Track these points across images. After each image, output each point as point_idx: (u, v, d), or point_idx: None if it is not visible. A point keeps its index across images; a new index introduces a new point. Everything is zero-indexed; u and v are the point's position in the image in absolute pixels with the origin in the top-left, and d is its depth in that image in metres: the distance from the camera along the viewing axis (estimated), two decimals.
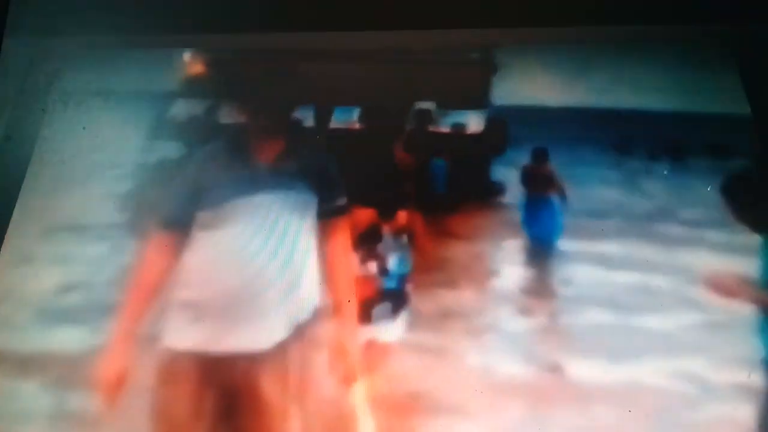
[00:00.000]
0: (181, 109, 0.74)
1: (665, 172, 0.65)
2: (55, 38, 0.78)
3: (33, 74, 0.76)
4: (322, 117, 0.72)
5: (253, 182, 0.67)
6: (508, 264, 0.62)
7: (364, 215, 0.65)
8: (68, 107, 0.74)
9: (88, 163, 0.71)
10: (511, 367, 0.56)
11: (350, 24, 0.76)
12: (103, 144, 0.72)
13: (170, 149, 0.71)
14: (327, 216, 0.65)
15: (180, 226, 0.65)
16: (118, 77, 0.76)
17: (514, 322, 0.58)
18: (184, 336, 0.59)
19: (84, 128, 0.72)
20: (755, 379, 0.54)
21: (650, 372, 0.55)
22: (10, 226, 0.67)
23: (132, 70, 0.76)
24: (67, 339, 0.60)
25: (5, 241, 0.66)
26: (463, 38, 0.75)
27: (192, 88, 0.75)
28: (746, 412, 0.53)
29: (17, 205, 0.68)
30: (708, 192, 0.64)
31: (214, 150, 0.70)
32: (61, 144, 0.71)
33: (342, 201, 0.66)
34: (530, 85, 0.72)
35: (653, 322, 0.58)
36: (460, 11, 0.75)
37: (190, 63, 0.77)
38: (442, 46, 0.75)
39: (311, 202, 0.66)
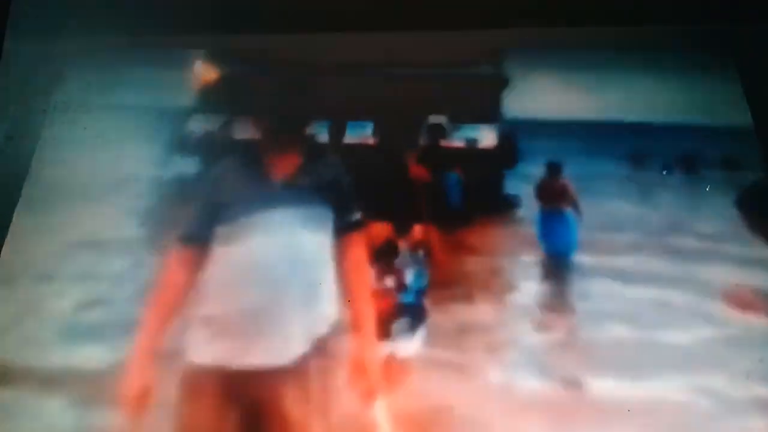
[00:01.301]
0: (197, 125, 0.74)
1: (664, 172, 0.65)
2: (57, 40, 0.78)
3: (35, 75, 0.76)
4: (336, 132, 0.73)
5: (269, 198, 0.67)
6: (525, 278, 0.62)
7: (380, 230, 0.66)
8: (69, 108, 0.74)
9: (99, 176, 0.71)
10: (530, 382, 0.56)
11: (354, 24, 0.77)
12: (117, 159, 0.72)
13: (186, 165, 0.71)
14: (343, 231, 0.65)
15: (199, 241, 0.65)
16: (118, 78, 0.76)
17: (532, 337, 0.59)
18: (206, 351, 0.60)
19: (85, 128, 0.72)
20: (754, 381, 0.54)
21: (669, 387, 0.55)
22: (30, 242, 0.67)
23: (132, 70, 0.77)
24: (89, 356, 0.60)
25: (17, 255, 0.67)
26: (474, 41, 0.76)
27: (206, 103, 0.76)
28: (765, 427, 0.53)
29: (20, 205, 0.69)
30: (723, 205, 0.64)
31: (229, 166, 0.71)
32: (62, 144, 0.72)
33: (357, 216, 0.66)
34: (542, 99, 0.73)
35: (671, 337, 0.58)
36: (469, 13, 0.76)
37: (203, 72, 0.78)
38: (453, 49, 0.75)
39: (327, 218, 0.66)
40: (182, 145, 0.73)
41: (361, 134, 0.73)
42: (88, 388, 0.59)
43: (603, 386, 0.56)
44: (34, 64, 0.77)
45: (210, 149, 0.72)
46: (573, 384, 0.56)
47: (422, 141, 0.72)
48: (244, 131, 0.73)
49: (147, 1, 0.79)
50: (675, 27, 0.75)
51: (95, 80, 0.76)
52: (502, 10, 0.75)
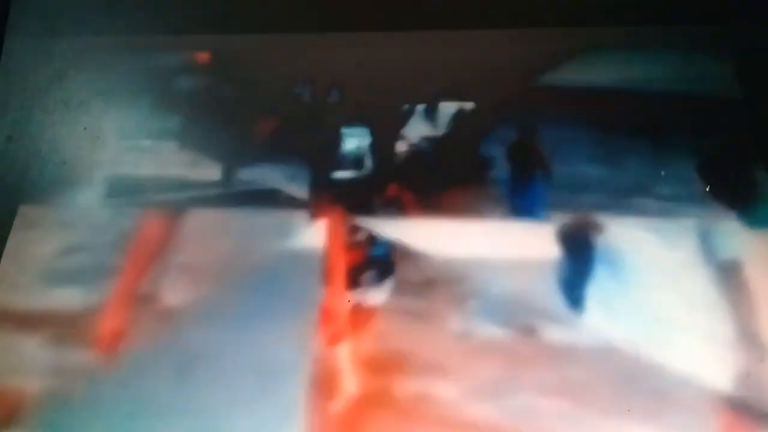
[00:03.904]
0: (181, 85, 0.75)
1: (663, 173, 0.66)
2: (57, 39, 0.78)
3: (35, 75, 0.76)
4: (319, 92, 0.74)
5: (250, 155, 0.69)
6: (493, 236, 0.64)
7: (355, 186, 0.67)
8: (70, 108, 0.74)
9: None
10: (488, 329, 0.58)
11: (345, 25, 0.77)
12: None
13: (170, 122, 0.73)
14: (320, 188, 0.67)
15: None
16: (118, 77, 0.77)
17: (493, 288, 0.60)
18: (182, 297, 0.61)
19: (85, 128, 0.73)
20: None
21: (621, 332, 0.58)
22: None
23: (132, 69, 0.77)
24: (67, 298, 0.62)
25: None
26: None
27: (192, 65, 0.77)
28: (713, 370, 0.56)
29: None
30: (685, 170, 0.65)
31: (212, 124, 0.72)
32: (62, 144, 0.72)
33: (335, 174, 0.68)
34: None
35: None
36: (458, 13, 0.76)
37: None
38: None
39: (305, 175, 0.68)
40: (167, 103, 0.74)
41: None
42: (65, 328, 0.60)
43: (557, 333, 0.58)
44: (34, 64, 0.77)
45: (194, 108, 0.73)
46: (528, 330, 0.58)
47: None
48: (228, 91, 0.74)
49: (147, 1, 0.79)
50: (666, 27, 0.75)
51: (95, 79, 0.76)
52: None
